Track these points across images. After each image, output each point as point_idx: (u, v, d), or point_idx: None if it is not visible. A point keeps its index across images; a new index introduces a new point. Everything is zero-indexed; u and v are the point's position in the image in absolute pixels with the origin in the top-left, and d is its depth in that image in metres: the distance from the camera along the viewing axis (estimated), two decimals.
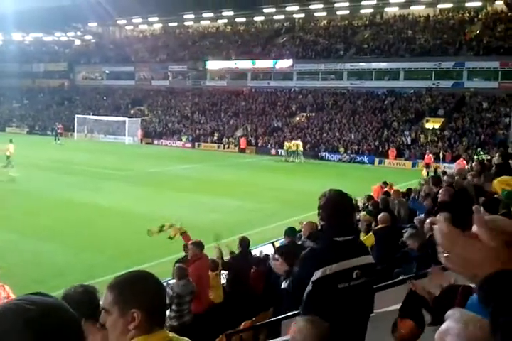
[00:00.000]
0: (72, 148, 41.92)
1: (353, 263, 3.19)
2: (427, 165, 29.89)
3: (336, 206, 3.28)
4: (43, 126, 57.89)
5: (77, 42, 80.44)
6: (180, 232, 8.81)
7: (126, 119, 49.88)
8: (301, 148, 36.91)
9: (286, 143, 38.02)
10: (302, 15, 58.36)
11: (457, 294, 2.38)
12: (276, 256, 3.66)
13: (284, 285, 3.34)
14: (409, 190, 13.15)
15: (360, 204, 12.48)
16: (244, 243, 8.89)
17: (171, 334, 2.03)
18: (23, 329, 1.21)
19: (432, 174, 27.14)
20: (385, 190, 14.75)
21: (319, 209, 3.34)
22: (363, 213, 10.07)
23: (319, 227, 3.41)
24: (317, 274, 3.07)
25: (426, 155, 31.87)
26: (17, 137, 51.36)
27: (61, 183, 23.86)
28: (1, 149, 25.02)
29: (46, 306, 1.28)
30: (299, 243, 8.35)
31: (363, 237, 8.32)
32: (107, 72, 68.04)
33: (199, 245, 8.01)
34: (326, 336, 2.56)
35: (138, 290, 1.94)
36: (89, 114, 54.76)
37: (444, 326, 1.53)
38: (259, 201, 20.76)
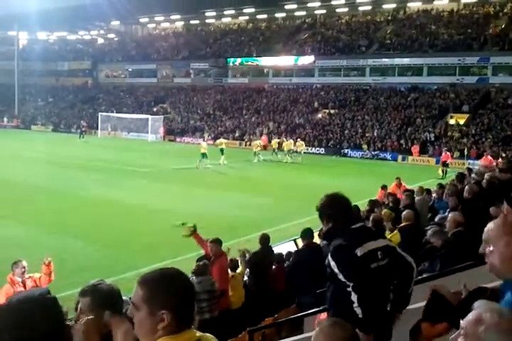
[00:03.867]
0: (96, 145, 42.44)
1: (377, 244, 3.39)
2: (444, 164, 28.67)
3: (337, 203, 3.53)
4: (68, 123, 58.68)
5: (100, 40, 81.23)
6: (191, 231, 8.46)
7: (149, 117, 50.30)
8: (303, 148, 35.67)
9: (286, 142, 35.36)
10: (324, 11, 57.98)
11: (487, 297, 2.32)
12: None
13: (354, 299, 3.17)
14: (425, 189, 12.94)
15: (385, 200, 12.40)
16: (265, 240, 8.89)
17: (199, 334, 2.02)
18: (43, 306, 1.72)
19: (448, 173, 26.75)
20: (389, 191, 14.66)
21: (323, 214, 3.52)
22: (385, 210, 9.95)
23: (329, 227, 3.52)
24: (358, 252, 3.25)
25: (443, 153, 29.98)
26: (42, 135, 52.34)
27: (86, 180, 24.15)
28: (201, 147, 30.65)
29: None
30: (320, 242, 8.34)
31: (388, 235, 8.26)
32: (130, 70, 68.60)
33: (219, 242, 8.06)
34: (349, 338, 2.49)
35: (168, 291, 1.92)
36: (113, 112, 55.36)
37: (474, 316, 1.51)
38: (280, 198, 20.74)
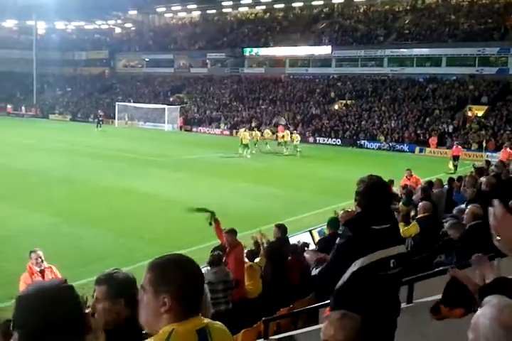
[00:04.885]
0: (113, 135, 42.69)
1: (389, 252, 3.15)
2: (455, 158, 27.56)
3: (375, 193, 3.21)
4: (85, 113, 59.08)
5: (118, 30, 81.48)
6: (214, 219, 8.60)
7: (166, 107, 50.43)
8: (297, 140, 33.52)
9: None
10: (341, 0, 57.48)
11: (508, 287, 2.30)
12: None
13: (314, 272, 3.34)
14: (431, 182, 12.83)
15: (398, 193, 12.35)
16: (282, 230, 8.90)
17: (206, 320, 2.03)
18: (59, 295, 1.84)
19: (461, 166, 26.25)
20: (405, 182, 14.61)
21: (357, 195, 3.27)
22: (400, 204, 9.93)
23: (356, 214, 3.34)
24: (357, 264, 3.04)
25: (454, 147, 28.86)
26: (60, 124, 52.75)
27: (103, 169, 24.33)
28: (243, 136, 31.19)
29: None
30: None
31: (403, 227, 8.22)
32: (147, 59, 68.76)
33: (234, 232, 8.10)
34: (358, 328, 2.53)
35: (172, 275, 1.95)
36: (130, 102, 55.59)
37: (480, 311, 1.53)
38: (295, 189, 20.71)
